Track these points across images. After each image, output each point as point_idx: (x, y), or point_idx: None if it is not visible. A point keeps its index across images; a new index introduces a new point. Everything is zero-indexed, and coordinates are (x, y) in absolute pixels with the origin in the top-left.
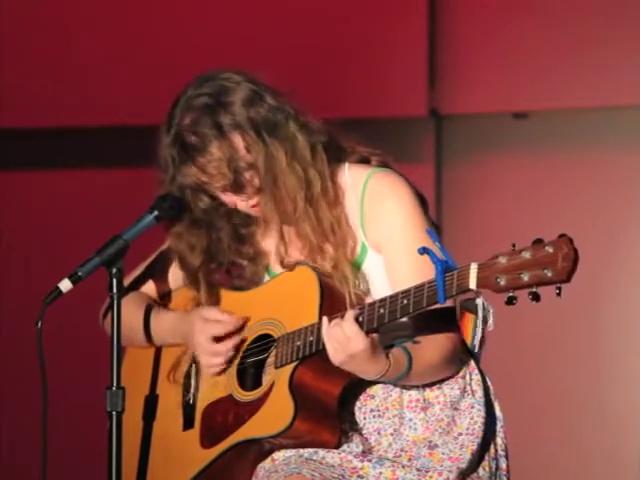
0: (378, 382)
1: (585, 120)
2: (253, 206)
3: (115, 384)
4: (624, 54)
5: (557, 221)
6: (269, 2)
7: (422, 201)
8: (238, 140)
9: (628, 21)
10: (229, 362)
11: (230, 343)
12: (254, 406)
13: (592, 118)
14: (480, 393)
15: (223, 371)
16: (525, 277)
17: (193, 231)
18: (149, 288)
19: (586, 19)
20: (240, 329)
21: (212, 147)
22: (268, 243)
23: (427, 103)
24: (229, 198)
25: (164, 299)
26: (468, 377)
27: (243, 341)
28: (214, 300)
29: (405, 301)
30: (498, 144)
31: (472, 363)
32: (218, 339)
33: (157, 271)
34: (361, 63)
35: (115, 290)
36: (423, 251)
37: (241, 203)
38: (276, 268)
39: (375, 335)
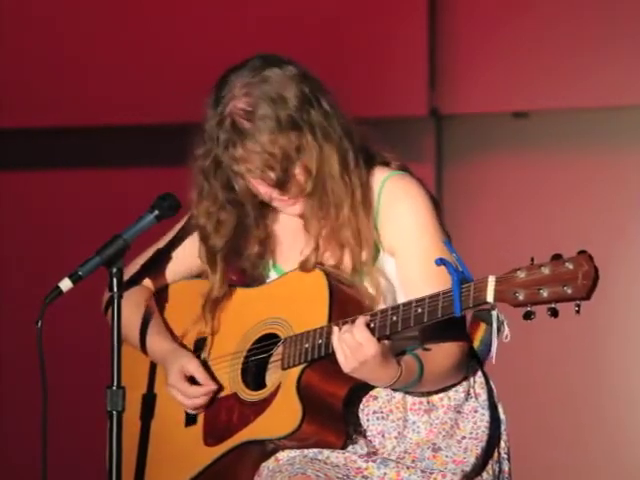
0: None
1: (585, 120)
2: (288, 203)
3: (115, 383)
4: (624, 54)
5: (557, 221)
6: (270, 2)
7: (437, 207)
8: (293, 138)
9: (628, 21)
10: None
11: (203, 401)
12: (260, 406)
13: (592, 118)
14: (484, 397)
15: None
16: (544, 293)
17: (225, 208)
18: (146, 284)
19: (586, 19)
20: (214, 390)
21: (264, 138)
22: (277, 229)
23: (427, 103)
24: (265, 190)
25: (160, 295)
26: (472, 380)
27: (220, 391)
28: (225, 289)
29: (419, 310)
30: (498, 144)
31: (476, 366)
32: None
33: (155, 267)
34: (361, 63)
35: (115, 290)
36: (440, 262)
37: (276, 196)
38: (281, 261)
39: (387, 342)
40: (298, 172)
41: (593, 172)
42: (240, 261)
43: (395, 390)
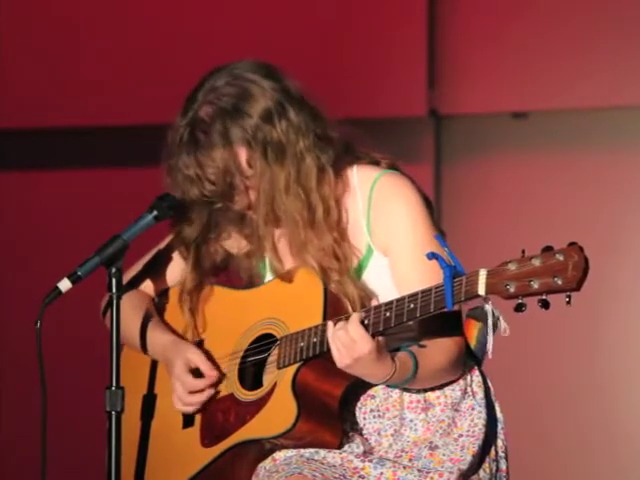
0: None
1: (585, 120)
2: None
3: (114, 384)
4: (624, 54)
5: (557, 221)
6: (268, 3)
7: (429, 205)
8: (242, 153)
9: (628, 21)
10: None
11: (204, 396)
12: (256, 406)
13: (592, 118)
14: (481, 395)
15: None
16: (535, 284)
17: (194, 207)
18: (147, 286)
19: (586, 19)
20: (217, 383)
21: (215, 152)
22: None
23: (426, 103)
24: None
25: (161, 297)
26: (469, 378)
27: (217, 392)
28: (197, 275)
29: (412, 305)
30: (497, 144)
31: (473, 365)
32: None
33: (155, 269)
34: (361, 63)
35: (114, 290)
36: (432, 256)
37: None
38: (274, 262)
39: (381, 338)
40: (244, 184)
41: (593, 172)
42: (236, 260)
43: (389, 387)
